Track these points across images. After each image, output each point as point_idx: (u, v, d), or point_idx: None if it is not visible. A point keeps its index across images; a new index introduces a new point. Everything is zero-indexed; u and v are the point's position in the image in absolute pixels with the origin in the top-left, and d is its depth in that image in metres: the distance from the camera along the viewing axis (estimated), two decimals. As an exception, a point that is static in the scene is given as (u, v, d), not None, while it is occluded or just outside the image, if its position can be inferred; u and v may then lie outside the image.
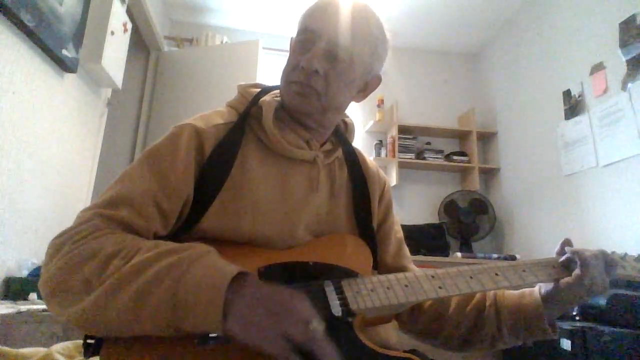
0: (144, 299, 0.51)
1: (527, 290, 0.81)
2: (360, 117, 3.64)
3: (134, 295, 0.51)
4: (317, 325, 0.50)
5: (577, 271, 0.73)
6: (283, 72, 0.77)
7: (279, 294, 0.52)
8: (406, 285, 0.68)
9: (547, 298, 0.77)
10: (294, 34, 0.79)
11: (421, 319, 0.85)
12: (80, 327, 0.54)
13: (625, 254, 0.81)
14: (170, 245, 0.57)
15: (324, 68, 0.72)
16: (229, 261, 0.55)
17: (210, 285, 0.50)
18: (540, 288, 0.79)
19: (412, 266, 0.89)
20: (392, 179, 3.39)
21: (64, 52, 1.84)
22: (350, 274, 0.69)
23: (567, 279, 0.74)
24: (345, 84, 0.75)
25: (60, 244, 0.58)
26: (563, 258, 0.77)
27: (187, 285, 0.50)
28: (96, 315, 0.52)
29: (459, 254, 3.14)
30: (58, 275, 0.55)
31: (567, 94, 2.75)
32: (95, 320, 0.52)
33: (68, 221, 0.62)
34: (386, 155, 3.48)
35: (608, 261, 0.76)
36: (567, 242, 0.79)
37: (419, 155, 3.57)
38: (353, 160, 0.86)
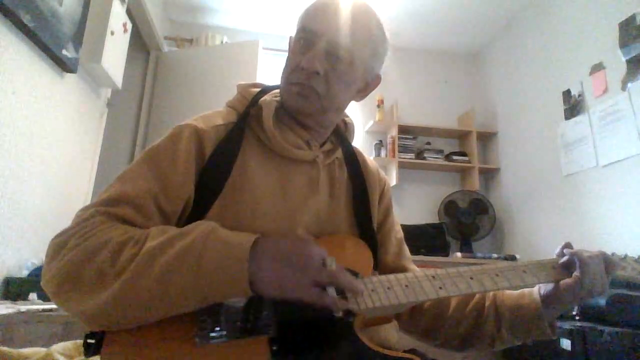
0: (169, 282, 0.53)
1: (526, 290, 0.81)
2: (360, 117, 3.64)
3: (156, 281, 0.53)
4: (331, 263, 0.58)
5: (576, 272, 0.73)
6: (283, 73, 0.77)
7: (293, 248, 0.58)
8: (406, 286, 0.68)
9: (546, 298, 0.77)
10: (293, 33, 0.79)
11: (421, 319, 0.85)
12: (96, 321, 0.54)
13: (626, 255, 0.81)
14: (176, 229, 0.59)
15: (324, 69, 0.72)
16: (233, 232, 0.59)
17: (230, 263, 0.54)
18: (540, 288, 0.79)
19: (413, 266, 0.89)
20: (392, 179, 3.39)
21: (64, 52, 1.84)
22: (351, 274, 0.69)
23: (566, 280, 0.74)
24: (345, 85, 0.75)
25: (64, 241, 0.58)
26: (563, 259, 0.77)
27: (207, 266, 0.53)
28: (118, 306, 0.52)
29: (459, 254, 3.14)
30: (67, 268, 0.55)
31: (567, 94, 2.75)
32: (117, 311, 0.53)
33: (68, 221, 0.62)
34: (386, 155, 3.48)
35: (608, 262, 0.76)
36: (567, 246, 0.79)
37: (419, 155, 3.58)
38: (353, 160, 0.86)
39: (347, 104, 0.82)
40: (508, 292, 0.82)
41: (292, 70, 0.74)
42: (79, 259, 0.55)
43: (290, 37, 0.79)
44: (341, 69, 0.73)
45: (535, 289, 0.80)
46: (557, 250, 0.80)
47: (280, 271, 0.55)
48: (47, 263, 0.58)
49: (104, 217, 0.60)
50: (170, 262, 0.53)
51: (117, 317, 0.53)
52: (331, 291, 0.56)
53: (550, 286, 0.77)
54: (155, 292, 0.52)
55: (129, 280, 0.52)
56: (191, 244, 0.55)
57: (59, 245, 0.58)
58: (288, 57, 0.78)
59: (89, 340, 0.56)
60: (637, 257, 0.80)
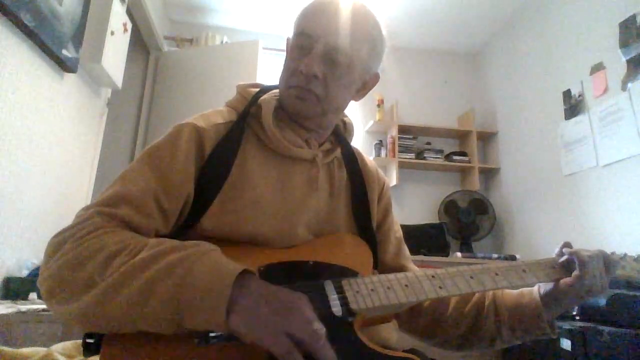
0: (148, 295, 0.51)
1: (526, 289, 0.81)
2: (360, 117, 3.64)
3: (137, 291, 0.51)
4: (320, 326, 0.50)
5: (576, 272, 0.73)
6: (282, 76, 0.77)
7: (282, 294, 0.53)
8: (406, 285, 0.68)
9: (546, 298, 0.77)
10: (290, 34, 0.79)
11: (420, 319, 0.85)
12: (81, 324, 0.54)
13: (625, 254, 0.81)
14: (174, 242, 0.57)
15: (322, 72, 0.72)
16: (230, 259, 0.55)
17: (214, 284, 0.50)
18: (540, 288, 0.79)
19: (412, 266, 0.89)
20: (392, 179, 3.39)
21: (64, 52, 1.84)
22: (350, 274, 0.69)
23: (566, 280, 0.74)
24: (344, 86, 0.75)
25: (61, 242, 0.57)
26: (562, 259, 0.77)
27: (192, 283, 0.51)
28: (98, 310, 0.52)
29: (459, 254, 3.14)
30: (59, 272, 0.55)
31: (567, 94, 2.75)
32: (97, 315, 0.52)
33: (68, 221, 0.62)
34: (386, 155, 3.48)
35: (607, 261, 0.76)
36: (566, 245, 0.79)
37: (419, 155, 3.57)
38: (352, 160, 0.86)
39: (347, 105, 0.82)
40: (508, 291, 0.82)
41: (291, 74, 0.74)
42: (71, 264, 0.55)
43: (288, 39, 0.79)
44: (339, 71, 0.73)
45: (535, 288, 0.80)
46: (557, 250, 0.80)
47: (260, 309, 0.50)
48: (43, 263, 0.58)
49: (104, 219, 0.60)
50: (156, 273, 0.52)
51: (96, 323, 0.53)
52: None
53: (550, 286, 0.77)
54: (135, 302, 0.51)
55: (112, 287, 0.52)
56: (182, 258, 0.53)
57: (56, 245, 0.58)
58: (286, 59, 0.77)
59: (88, 340, 0.56)
60: (636, 256, 0.81)
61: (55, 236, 0.59)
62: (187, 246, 0.56)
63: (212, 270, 0.52)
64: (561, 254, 0.79)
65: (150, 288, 0.51)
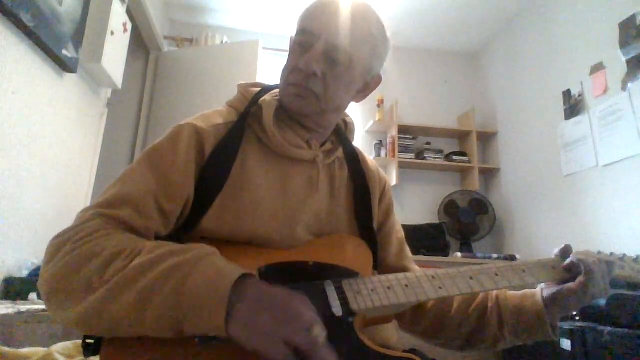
0: (147, 300, 0.51)
1: (528, 292, 0.81)
2: (360, 117, 3.64)
3: (137, 296, 0.51)
4: (319, 332, 0.49)
5: (581, 278, 0.73)
6: (282, 74, 0.77)
7: (282, 298, 0.52)
8: (406, 285, 0.68)
9: (549, 301, 0.77)
10: (294, 33, 0.79)
11: (424, 320, 0.85)
12: (79, 328, 0.54)
13: (624, 255, 0.81)
14: (173, 246, 0.57)
15: (322, 70, 0.72)
16: (229, 261, 0.55)
17: (213, 288, 0.50)
18: (542, 291, 0.79)
19: (414, 266, 0.89)
20: (392, 179, 3.39)
21: (64, 52, 1.84)
22: (351, 274, 0.69)
23: (570, 285, 0.74)
24: (344, 86, 0.75)
25: (61, 244, 0.57)
26: (567, 262, 0.77)
27: (191, 287, 0.50)
28: (97, 316, 0.52)
29: (459, 254, 3.14)
30: (59, 274, 0.55)
31: (567, 94, 2.75)
32: (96, 320, 0.52)
33: (68, 221, 0.62)
34: (386, 155, 3.48)
35: (607, 263, 0.76)
36: (568, 249, 0.79)
37: (419, 155, 3.58)
38: (353, 160, 0.86)
39: (347, 105, 0.82)
40: (511, 293, 0.82)
41: (291, 71, 0.74)
42: (70, 267, 0.55)
43: (291, 38, 0.79)
44: (339, 70, 0.73)
45: (538, 290, 0.80)
46: (556, 250, 0.80)
47: (258, 316, 0.49)
48: (44, 265, 0.58)
49: (104, 221, 0.60)
50: (155, 278, 0.52)
51: (95, 328, 0.53)
52: None
53: (553, 289, 0.77)
54: (134, 307, 0.51)
55: (110, 292, 0.52)
56: (181, 263, 0.53)
57: (56, 247, 0.57)
58: (287, 58, 0.77)
59: (88, 341, 0.56)
60: (635, 256, 0.81)
61: (55, 238, 0.59)
62: (185, 250, 0.55)
63: (210, 276, 0.51)
64: (561, 255, 0.79)
65: (149, 295, 0.51)
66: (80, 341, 0.57)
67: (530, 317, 0.77)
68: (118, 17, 2.28)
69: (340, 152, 0.84)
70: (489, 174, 3.65)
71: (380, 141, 3.56)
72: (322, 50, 0.71)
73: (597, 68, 2.49)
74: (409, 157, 3.50)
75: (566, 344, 1.77)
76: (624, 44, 2.31)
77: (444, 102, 3.85)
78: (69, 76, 2.01)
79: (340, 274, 0.69)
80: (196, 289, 0.50)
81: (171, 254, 0.54)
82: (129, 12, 2.58)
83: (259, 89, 0.81)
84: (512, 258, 2.99)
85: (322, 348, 0.49)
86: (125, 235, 0.59)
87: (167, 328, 0.51)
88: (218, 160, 0.70)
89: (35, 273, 1.69)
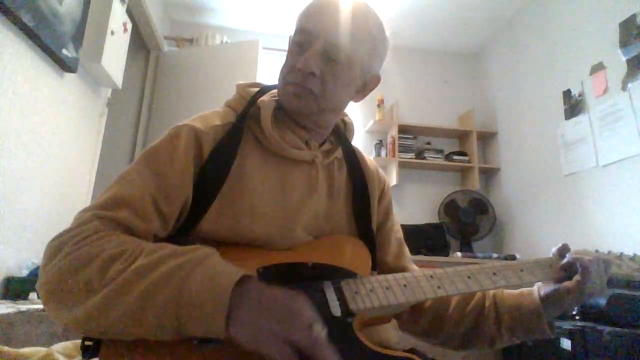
0: (148, 302, 0.51)
1: (526, 290, 0.81)
2: (360, 117, 3.64)
3: (137, 299, 0.51)
4: (320, 330, 0.50)
5: (577, 277, 0.73)
6: (280, 73, 0.77)
7: (282, 298, 0.52)
8: (405, 286, 0.68)
9: (546, 299, 0.77)
10: (292, 33, 0.79)
11: (421, 319, 0.85)
12: (79, 330, 0.54)
13: (621, 253, 0.82)
14: (172, 247, 0.57)
15: (320, 69, 0.71)
16: (229, 263, 0.55)
17: (214, 290, 0.50)
18: (540, 289, 0.79)
19: (413, 266, 0.89)
20: (392, 179, 3.39)
21: (64, 52, 1.85)
22: (349, 275, 0.69)
23: (567, 284, 0.74)
24: (342, 85, 0.75)
25: (60, 246, 0.57)
26: (564, 262, 0.77)
27: (191, 289, 0.50)
28: (97, 318, 0.52)
29: (459, 254, 3.14)
30: (58, 276, 0.55)
31: (567, 94, 2.75)
32: (96, 323, 0.52)
33: (68, 221, 0.62)
34: (386, 155, 3.48)
35: (605, 262, 0.76)
36: (565, 248, 0.79)
37: (419, 155, 3.57)
38: (352, 160, 0.86)
39: (346, 105, 0.82)
40: (508, 292, 0.82)
41: (289, 71, 0.74)
42: (69, 269, 0.54)
43: (290, 37, 0.79)
44: (338, 70, 0.73)
45: (535, 289, 0.80)
46: (554, 249, 0.80)
47: (259, 317, 0.50)
48: (42, 266, 0.57)
49: (102, 222, 0.60)
50: (154, 282, 0.52)
51: (96, 330, 0.53)
52: None
53: (550, 288, 0.77)
54: (134, 310, 0.51)
55: (110, 295, 0.52)
56: (181, 265, 0.53)
57: (55, 249, 0.57)
58: (286, 57, 0.77)
59: (87, 343, 0.56)
60: (632, 255, 0.81)
61: (54, 239, 0.59)
62: (185, 252, 0.55)
63: (210, 278, 0.51)
64: (559, 254, 0.79)
65: (149, 297, 0.51)
66: (80, 341, 0.57)
67: (527, 315, 0.78)
68: (118, 17, 2.28)
69: (339, 152, 0.84)
70: (489, 173, 3.65)
71: (381, 141, 3.56)
72: (321, 49, 0.71)
73: (597, 68, 2.49)
74: (409, 157, 3.50)
75: (566, 343, 1.77)
76: (624, 44, 2.31)
77: (444, 102, 3.85)
78: (69, 76, 2.01)
79: (338, 274, 0.69)
80: (196, 291, 0.50)
81: (171, 256, 0.54)
82: (129, 12, 2.58)
83: (258, 89, 0.81)
84: (512, 258, 2.99)
85: (323, 345, 0.49)
86: (124, 237, 0.59)
87: (168, 330, 0.51)
88: (216, 161, 0.70)
89: (35, 273, 1.69)
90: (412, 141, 3.58)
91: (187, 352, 0.54)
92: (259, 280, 0.55)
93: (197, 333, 0.50)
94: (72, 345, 0.87)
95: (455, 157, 3.55)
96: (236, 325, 0.49)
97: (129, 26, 2.47)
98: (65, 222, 0.61)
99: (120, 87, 2.44)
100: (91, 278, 0.53)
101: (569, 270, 0.76)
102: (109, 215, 0.61)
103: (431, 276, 0.70)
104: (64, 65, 1.90)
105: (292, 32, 0.79)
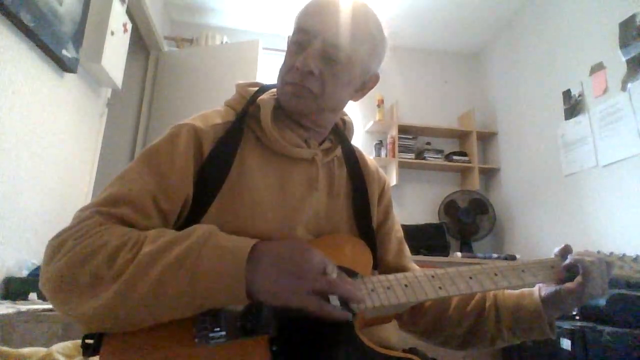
0: (162, 289, 0.52)
1: (526, 290, 0.81)
2: (360, 117, 3.64)
3: (150, 287, 0.52)
4: (332, 270, 0.57)
5: (579, 278, 0.73)
6: (279, 73, 0.77)
7: (290, 254, 0.57)
8: (406, 285, 0.68)
9: (546, 300, 0.77)
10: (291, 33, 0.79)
11: (422, 319, 0.85)
12: (93, 324, 0.54)
13: (624, 254, 0.81)
14: (175, 233, 0.58)
15: (319, 69, 0.71)
16: (231, 236, 0.58)
17: (227, 268, 0.53)
18: (541, 290, 0.79)
19: (413, 265, 0.89)
20: (392, 179, 3.39)
21: (64, 52, 1.84)
22: (350, 274, 0.69)
23: (568, 285, 0.74)
24: (341, 84, 0.75)
25: (61, 242, 0.57)
26: (565, 263, 0.77)
27: (205, 271, 0.53)
28: (114, 310, 0.52)
29: (459, 254, 3.14)
30: (63, 271, 0.54)
31: (567, 94, 2.75)
32: (113, 315, 0.52)
33: (68, 221, 0.61)
34: (386, 155, 3.48)
35: (607, 263, 0.76)
36: (567, 249, 0.79)
37: (419, 155, 3.57)
38: (352, 159, 0.86)
39: (345, 104, 0.82)
40: (508, 292, 0.82)
41: (288, 70, 0.74)
42: (74, 261, 0.55)
43: (289, 37, 0.79)
44: (337, 69, 0.72)
45: (536, 289, 0.80)
46: (556, 250, 0.80)
47: (278, 278, 0.55)
48: (44, 265, 0.57)
49: (103, 218, 0.60)
50: (166, 269, 0.53)
51: (112, 322, 0.53)
52: (334, 299, 0.56)
53: (551, 289, 0.77)
54: (150, 299, 0.52)
55: (124, 286, 0.52)
56: (188, 250, 0.54)
57: (56, 246, 0.57)
58: (285, 57, 0.77)
59: (88, 341, 0.56)
60: (634, 256, 0.81)
61: (55, 238, 0.59)
62: (186, 235, 0.57)
63: (220, 256, 0.54)
64: (561, 255, 0.79)
65: (163, 284, 0.52)
66: (80, 341, 0.57)
67: (527, 315, 0.77)
68: (118, 17, 2.28)
69: (338, 151, 0.84)
70: (489, 174, 3.65)
71: (381, 141, 3.56)
72: (320, 48, 0.71)
73: (597, 68, 2.49)
74: (409, 157, 3.50)
75: (566, 343, 1.77)
76: (624, 44, 2.31)
77: (444, 102, 3.85)
78: (69, 76, 2.01)
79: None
80: (210, 273, 0.53)
81: (176, 240, 0.56)
82: (129, 12, 2.57)
83: (257, 88, 0.81)
84: (512, 258, 2.99)
85: (339, 283, 0.56)
86: (125, 228, 0.60)
87: (186, 310, 0.54)
88: (216, 160, 0.70)
89: (35, 273, 1.69)
90: (412, 141, 3.58)
91: (187, 351, 0.54)
92: (264, 243, 0.58)
93: (220, 306, 0.55)
94: (72, 345, 0.87)
95: (455, 157, 3.55)
96: (258, 291, 0.54)
97: (129, 26, 2.47)
98: (65, 222, 0.61)
99: (120, 87, 2.44)
100: (99, 269, 0.54)
101: (570, 272, 0.76)
102: (109, 211, 0.61)
103: (432, 276, 0.70)
104: (64, 66, 1.90)
105: (291, 32, 0.79)
